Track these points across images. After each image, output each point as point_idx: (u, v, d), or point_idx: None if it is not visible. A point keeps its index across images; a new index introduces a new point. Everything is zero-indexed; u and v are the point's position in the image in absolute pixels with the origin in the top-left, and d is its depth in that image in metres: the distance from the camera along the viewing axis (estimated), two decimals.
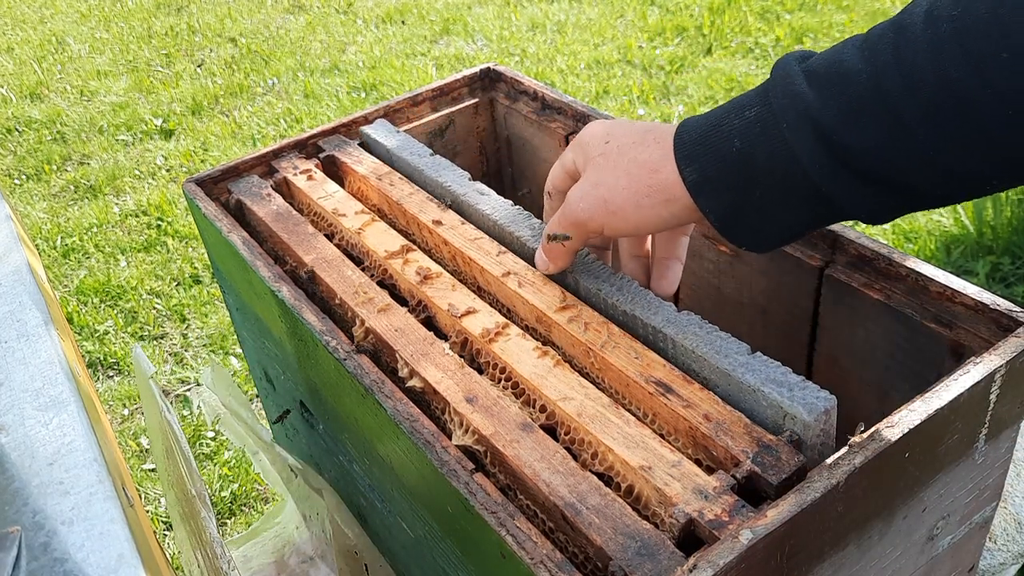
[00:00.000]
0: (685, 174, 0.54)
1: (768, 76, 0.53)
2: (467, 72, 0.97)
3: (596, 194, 0.59)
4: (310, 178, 0.84)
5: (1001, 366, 0.54)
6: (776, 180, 0.51)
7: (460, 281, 0.70)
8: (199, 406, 1.73)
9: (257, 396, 1.45)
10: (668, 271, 0.66)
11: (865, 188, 0.49)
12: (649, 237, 0.68)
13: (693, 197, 0.54)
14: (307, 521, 1.10)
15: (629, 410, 0.57)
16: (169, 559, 0.68)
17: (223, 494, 1.66)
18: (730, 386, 0.55)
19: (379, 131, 0.89)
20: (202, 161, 2.80)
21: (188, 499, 0.80)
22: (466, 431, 0.57)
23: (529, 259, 0.69)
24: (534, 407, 0.59)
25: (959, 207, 2.08)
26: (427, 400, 0.61)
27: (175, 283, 2.25)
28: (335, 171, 0.88)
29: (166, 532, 1.60)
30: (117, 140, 2.97)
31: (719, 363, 0.55)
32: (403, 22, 3.57)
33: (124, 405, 1.89)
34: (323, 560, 1.11)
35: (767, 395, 0.53)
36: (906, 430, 0.50)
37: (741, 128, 0.52)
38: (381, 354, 0.66)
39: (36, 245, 2.05)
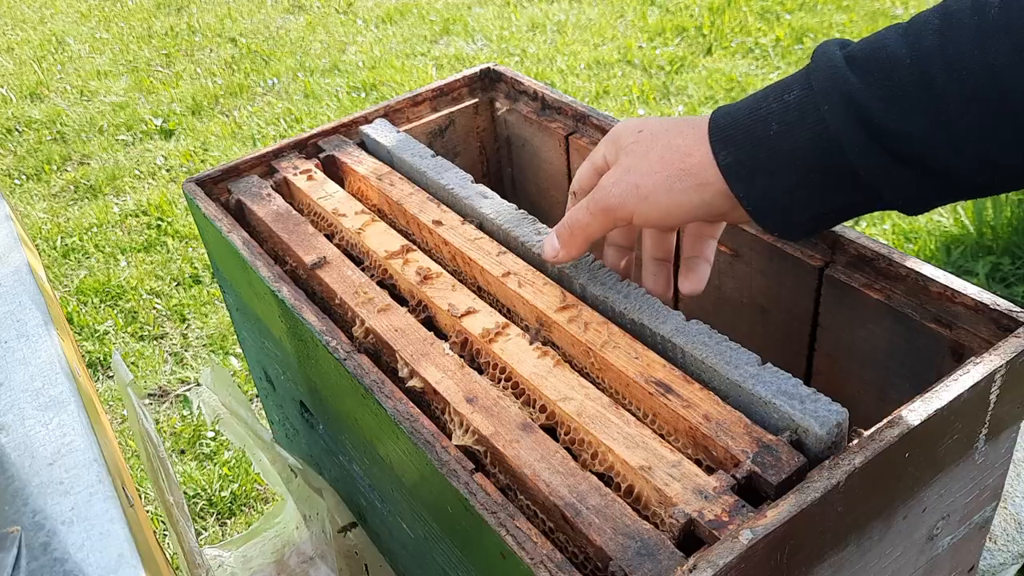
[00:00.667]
0: (719, 158, 0.54)
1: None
2: (467, 72, 0.97)
3: (628, 179, 0.58)
4: (310, 178, 0.84)
5: (1001, 366, 0.54)
6: (813, 165, 0.51)
7: (460, 281, 0.70)
8: (199, 406, 1.73)
9: (257, 396, 1.45)
10: (696, 269, 0.65)
11: (905, 174, 0.49)
12: (673, 239, 0.67)
13: (727, 181, 0.54)
14: (307, 521, 1.10)
15: (629, 410, 0.57)
16: (169, 559, 0.68)
17: (223, 494, 1.66)
18: (740, 397, 0.55)
19: (379, 131, 0.89)
20: (202, 161, 2.80)
21: (167, 507, 0.80)
22: (466, 431, 0.57)
23: (531, 260, 0.69)
24: (534, 407, 0.59)
25: (959, 207, 2.08)
26: (427, 400, 0.61)
27: (175, 283, 2.25)
28: (335, 171, 0.88)
29: (166, 532, 1.60)
30: (117, 140, 2.97)
31: (729, 374, 0.55)
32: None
33: (124, 405, 1.88)
34: (323, 560, 1.11)
35: (778, 407, 0.53)
36: (906, 430, 0.50)
37: (779, 111, 0.52)
38: (381, 354, 0.66)
39: (36, 245, 2.05)
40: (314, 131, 0.90)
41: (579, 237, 0.62)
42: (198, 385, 1.91)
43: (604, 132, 0.85)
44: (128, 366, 1.98)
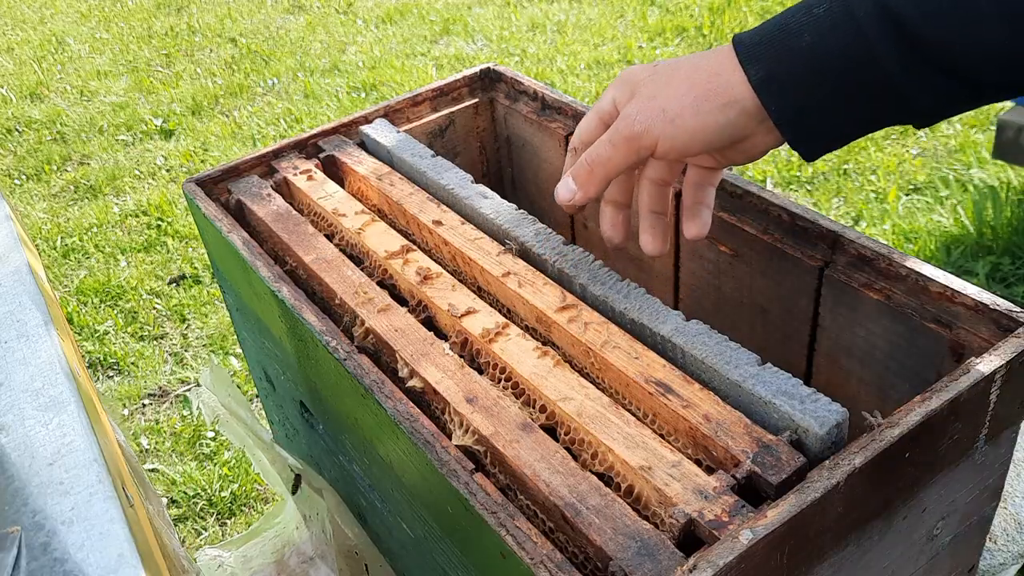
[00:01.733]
0: (750, 73, 0.54)
1: None
2: (467, 72, 0.97)
3: (654, 105, 0.58)
4: (310, 178, 0.84)
5: (1001, 366, 0.54)
6: (846, 74, 0.52)
7: (460, 281, 0.70)
8: (199, 406, 1.73)
9: (257, 396, 1.45)
10: (699, 215, 0.65)
11: (935, 78, 0.50)
12: (670, 192, 0.67)
13: (759, 95, 0.54)
14: (307, 521, 1.10)
15: (629, 410, 0.57)
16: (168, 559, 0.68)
17: (223, 494, 1.66)
18: (740, 397, 0.55)
19: (379, 131, 0.89)
20: (202, 161, 2.80)
21: (148, 516, 0.80)
22: (466, 431, 0.57)
23: (531, 260, 0.69)
24: (534, 407, 0.59)
25: (959, 207, 2.08)
26: (427, 400, 0.61)
27: (175, 283, 2.25)
28: (335, 171, 0.88)
29: None
30: (117, 140, 2.97)
31: (729, 374, 0.55)
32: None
33: (124, 405, 1.89)
34: (323, 560, 1.11)
35: (778, 407, 0.53)
36: (906, 430, 0.50)
37: (811, 23, 0.53)
38: (381, 354, 0.66)
39: (36, 245, 2.05)
40: (314, 131, 0.90)
41: (599, 173, 0.61)
42: (198, 385, 1.91)
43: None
44: (128, 366, 1.98)
